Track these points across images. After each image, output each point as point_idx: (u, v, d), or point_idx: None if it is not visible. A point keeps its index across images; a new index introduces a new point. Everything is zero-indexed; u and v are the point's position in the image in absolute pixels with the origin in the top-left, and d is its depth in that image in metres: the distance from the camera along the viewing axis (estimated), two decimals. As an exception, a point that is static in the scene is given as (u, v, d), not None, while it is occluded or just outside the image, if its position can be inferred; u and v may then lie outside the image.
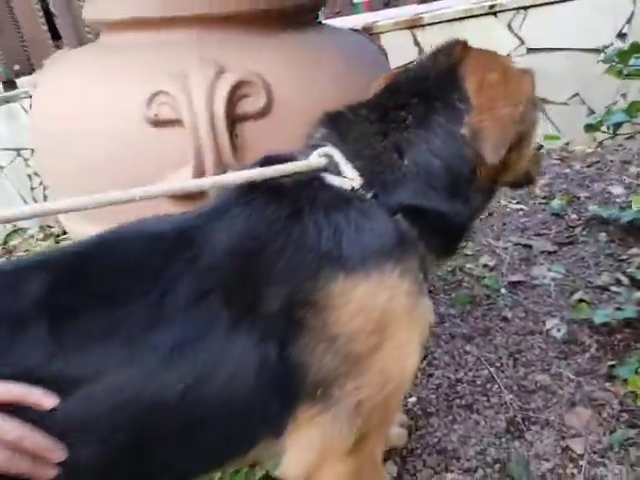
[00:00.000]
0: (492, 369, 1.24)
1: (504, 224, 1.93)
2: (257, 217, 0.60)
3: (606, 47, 2.34)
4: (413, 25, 2.42)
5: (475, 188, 0.71)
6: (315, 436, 0.63)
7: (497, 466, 1.01)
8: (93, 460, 0.55)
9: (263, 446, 0.65)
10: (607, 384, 1.15)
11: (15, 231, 2.69)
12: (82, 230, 0.93)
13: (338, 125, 0.72)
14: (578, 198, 1.99)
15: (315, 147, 0.69)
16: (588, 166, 2.29)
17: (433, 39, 2.46)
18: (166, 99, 0.83)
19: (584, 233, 1.76)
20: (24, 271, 0.58)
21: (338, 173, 0.66)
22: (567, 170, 2.28)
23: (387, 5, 2.50)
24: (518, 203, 2.07)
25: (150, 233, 0.62)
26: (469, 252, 1.77)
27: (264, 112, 0.87)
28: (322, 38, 1.08)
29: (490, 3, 2.37)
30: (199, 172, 0.87)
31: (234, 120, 0.85)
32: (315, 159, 0.67)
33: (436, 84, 0.72)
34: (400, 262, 0.63)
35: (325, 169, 0.66)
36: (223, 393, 0.57)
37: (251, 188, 0.64)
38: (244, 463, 0.87)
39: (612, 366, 1.18)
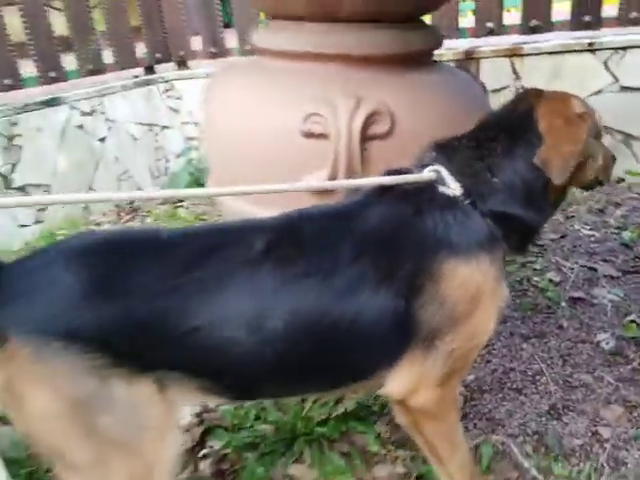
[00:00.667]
0: (543, 365, 1.45)
1: (574, 247, 2.09)
2: (392, 210, 0.88)
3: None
4: (513, 54, 2.60)
5: (546, 200, 0.97)
6: (417, 370, 0.91)
7: (535, 437, 1.23)
8: (278, 360, 0.85)
9: (377, 375, 0.93)
10: (643, 392, 1.32)
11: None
12: (241, 209, 1.25)
13: (444, 150, 0.98)
14: (650, 233, 2.11)
15: (426, 165, 0.96)
16: (666, 203, 2.37)
17: (531, 69, 2.63)
18: (318, 119, 1.13)
19: (649, 265, 1.89)
20: (249, 230, 0.90)
21: (444, 185, 0.92)
22: (644, 205, 2.38)
23: (491, 33, 2.69)
24: (591, 230, 2.21)
25: (325, 213, 0.91)
26: (538, 267, 1.95)
27: (387, 134, 1.14)
28: (436, 77, 1.33)
29: (589, 41, 2.50)
30: (333, 175, 1.16)
31: (365, 138, 1.13)
32: (427, 173, 0.93)
33: (517, 124, 0.97)
34: (490, 253, 0.89)
35: (435, 181, 0.93)
36: (367, 329, 0.85)
37: (382, 191, 0.91)
38: (357, 389, 1.15)
39: (651, 379, 1.35)
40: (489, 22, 2.67)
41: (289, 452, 1.27)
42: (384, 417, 1.34)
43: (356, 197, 0.94)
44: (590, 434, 1.21)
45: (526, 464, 1.16)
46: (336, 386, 1.00)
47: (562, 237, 2.16)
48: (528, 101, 1.00)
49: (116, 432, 0.84)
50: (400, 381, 0.93)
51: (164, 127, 3.20)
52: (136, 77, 3.08)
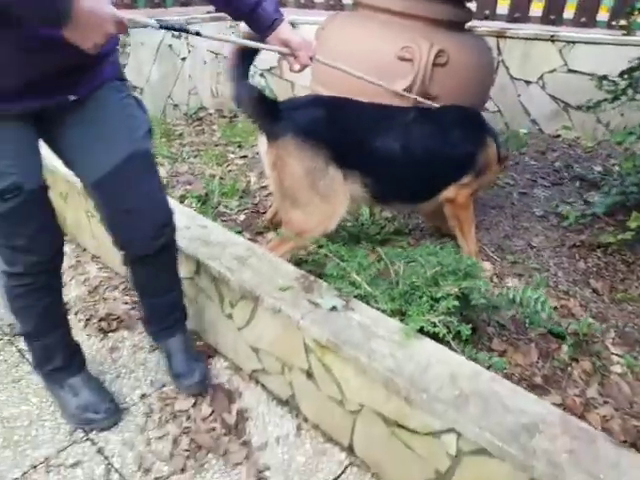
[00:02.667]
0: (502, 218, 2.41)
1: (524, 169, 3.06)
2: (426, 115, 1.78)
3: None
4: (499, 35, 3.51)
5: None
6: (462, 188, 1.83)
7: (496, 246, 2.19)
8: (409, 173, 1.75)
9: (445, 189, 1.84)
10: None
11: (200, 109, 3.84)
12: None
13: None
14: None
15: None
16: None
17: (510, 48, 3.55)
18: (409, 50, 1.97)
19: None
20: (401, 110, 1.78)
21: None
22: None
23: (486, 18, 3.60)
24: (535, 161, 3.19)
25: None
26: (501, 177, 2.91)
27: (445, 64, 2.01)
28: (470, 37, 2.21)
29: (552, 34, 3.45)
30: (412, 85, 2.01)
31: (434, 65, 1.99)
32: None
33: None
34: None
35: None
36: (451, 165, 1.76)
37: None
38: (434, 203, 1.97)
39: None
40: (486, 10, 3.58)
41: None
42: (410, 235, 2.24)
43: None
44: (527, 245, 2.18)
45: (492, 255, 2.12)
46: (429, 196, 1.89)
47: (517, 164, 3.14)
48: None
49: (324, 189, 1.69)
50: (454, 190, 1.86)
51: (226, 56, 3.90)
52: (209, 12, 3.75)
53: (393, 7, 2.08)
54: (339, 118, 1.68)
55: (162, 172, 2.55)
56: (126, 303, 2.08)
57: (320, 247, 1.60)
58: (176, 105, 3.60)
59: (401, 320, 1.40)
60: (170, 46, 3.42)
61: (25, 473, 1.38)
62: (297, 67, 1.41)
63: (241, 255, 1.67)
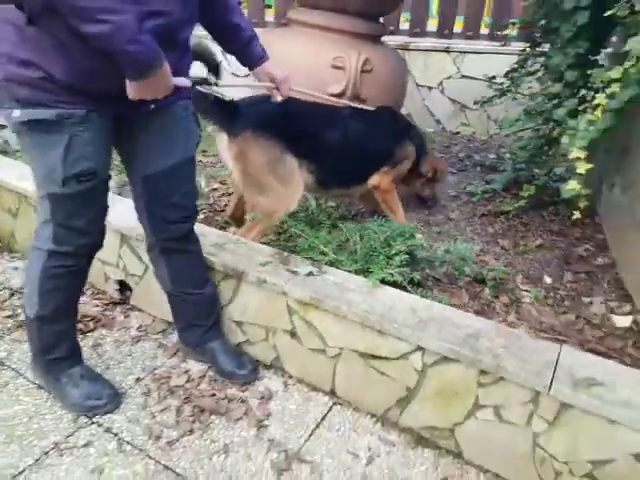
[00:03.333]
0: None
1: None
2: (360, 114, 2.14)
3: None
4: (403, 48, 4.00)
5: None
6: (384, 175, 2.18)
7: (423, 220, 2.58)
8: (344, 161, 2.09)
9: (370, 177, 2.18)
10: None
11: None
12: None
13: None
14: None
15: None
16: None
17: (412, 59, 4.05)
18: (340, 59, 2.31)
19: (473, 169, 3.40)
20: (337, 109, 2.11)
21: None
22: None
23: (392, 33, 4.08)
24: (440, 153, 3.68)
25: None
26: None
27: (370, 71, 2.37)
28: (388, 49, 2.60)
29: (446, 46, 4.00)
30: (345, 88, 2.35)
31: (361, 71, 2.35)
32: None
33: None
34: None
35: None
36: (376, 155, 2.10)
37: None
38: (364, 188, 2.32)
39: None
40: (391, 26, 4.05)
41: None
42: (353, 219, 2.57)
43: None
44: (447, 219, 2.60)
45: (420, 228, 2.50)
46: (360, 181, 2.22)
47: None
48: None
49: (284, 174, 1.97)
50: (377, 178, 2.20)
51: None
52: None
53: (321, 23, 2.42)
54: (290, 114, 1.95)
55: (115, 180, 2.66)
56: (97, 306, 2.19)
57: (289, 227, 1.87)
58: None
59: (365, 276, 1.71)
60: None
61: (38, 460, 1.46)
62: (279, 98, 1.66)
63: (217, 242, 1.89)
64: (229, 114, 1.91)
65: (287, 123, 1.93)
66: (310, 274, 1.70)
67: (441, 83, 4.17)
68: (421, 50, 4.01)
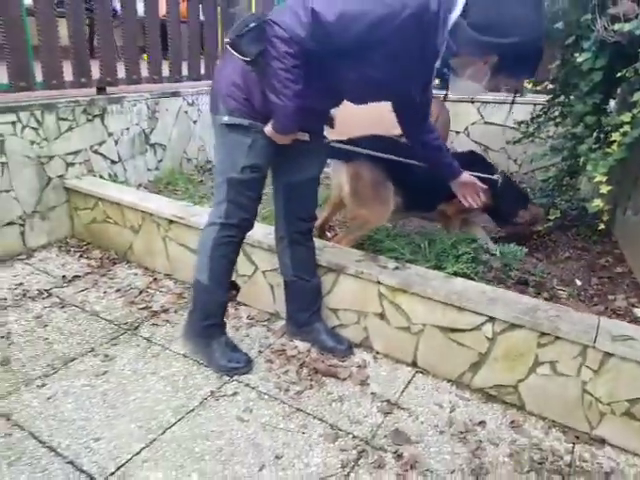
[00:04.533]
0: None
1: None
2: None
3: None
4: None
5: None
6: (449, 205, 2.62)
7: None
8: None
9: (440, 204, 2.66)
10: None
11: (207, 162, 4.48)
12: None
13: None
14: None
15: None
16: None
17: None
18: (382, 117, 2.85)
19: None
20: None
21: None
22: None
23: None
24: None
25: None
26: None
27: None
28: (439, 101, 3.15)
29: (174, 90, 4.58)
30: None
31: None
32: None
33: None
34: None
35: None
36: (440, 188, 2.58)
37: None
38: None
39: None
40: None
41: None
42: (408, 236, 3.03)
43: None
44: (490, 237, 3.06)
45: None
46: (433, 207, 2.68)
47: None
48: None
49: (383, 195, 2.44)
50: (444, 206, 2.67)
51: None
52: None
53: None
54: (386, 151, 2.42)
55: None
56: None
57: (372, 236, 2.34)
58: (189, 159, 4.23)
59: (439, 271, 2.17)
60: (186, 112, 4.09)
61: (201, 402, 1.90)
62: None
63: (318, 246, 2.35)
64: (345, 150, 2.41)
65: (387, 158, 2.41)
66: (397, 268, 2.16)
67: (467, 128, 4.74)
68: (450, 101, 4.59)
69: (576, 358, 1.77)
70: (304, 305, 2.22)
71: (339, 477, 1.59)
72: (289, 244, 2.10)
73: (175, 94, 3.96)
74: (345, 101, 1.87)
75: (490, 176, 2.39)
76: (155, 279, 2.83)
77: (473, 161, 2.62)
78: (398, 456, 1.68)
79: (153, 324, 2.40)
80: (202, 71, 4.36)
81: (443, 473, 1.64)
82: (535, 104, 4.04)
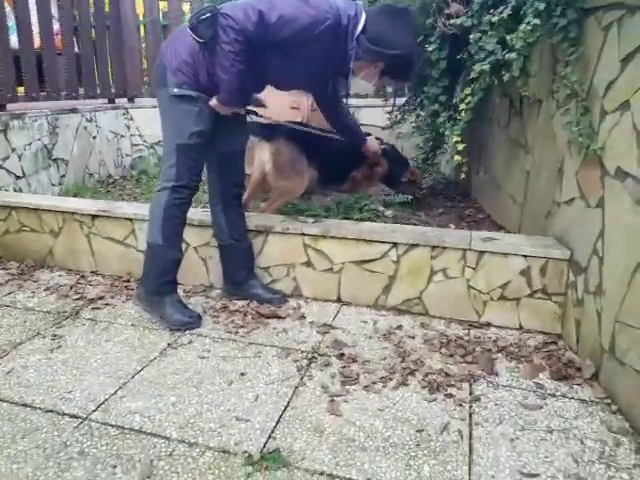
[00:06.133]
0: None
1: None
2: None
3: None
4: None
5: None
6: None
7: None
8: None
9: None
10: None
11: (108, 176, 4.47)
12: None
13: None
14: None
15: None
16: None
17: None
18: (297, 103, 3.28)
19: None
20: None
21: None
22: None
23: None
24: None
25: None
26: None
27: (315, 110, 3.36)
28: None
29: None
30: (302, 120, 3.30)
31: (311, 110, 3.32)
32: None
33: None
34: None
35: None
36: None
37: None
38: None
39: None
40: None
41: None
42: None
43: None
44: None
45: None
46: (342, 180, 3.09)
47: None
48: None
49: (300, 167, 2.80)
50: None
51: (122, 136, 4.67)
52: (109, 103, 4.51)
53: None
54: (301, 132, 2.79)
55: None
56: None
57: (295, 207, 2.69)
58: (91, 174, 4.22)
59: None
60: (85, 128, 4.10)
61: (161, 352, 2.04)
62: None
63: (246, 215, 2.63)
64: (269, 129, 2.73)
65: (300, 136, 2.77)
66: (315, 221, 2.52)
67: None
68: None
69: (460, 261, 2.27)
70: (241, 264, 2.47)
71: (297, 377, 1.87)
72: (223, 209, 2.35)
73: (74, 110, 3.97)
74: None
75: (384, 145, 2.88)
76: (83, 276, 2.85)
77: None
78: (340, 355, 2.01)
79: (93, 308, 2.46)
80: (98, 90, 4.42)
81: (377, 359, 2.00)
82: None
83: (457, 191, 3.94)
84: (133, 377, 1.86)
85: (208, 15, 1.87)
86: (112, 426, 1.58)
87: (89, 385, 1.81)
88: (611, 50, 1.76)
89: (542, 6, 1.95)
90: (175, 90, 1.99)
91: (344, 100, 2.45)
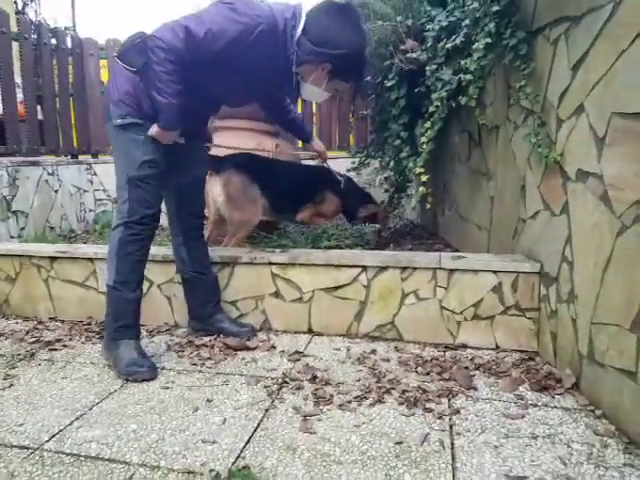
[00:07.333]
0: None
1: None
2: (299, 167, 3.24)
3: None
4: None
5: None
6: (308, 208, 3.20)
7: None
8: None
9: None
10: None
11: (70, 230, 4.43)
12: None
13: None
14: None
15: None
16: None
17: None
18: (263, 143, 3.41)
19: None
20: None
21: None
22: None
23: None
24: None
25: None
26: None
27: (277, 147, 3.50)
28: (282, 139, 3.81)
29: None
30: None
31: (275, 148, 3.46)
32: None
33: None
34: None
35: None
36: (303, 192, 3.14)
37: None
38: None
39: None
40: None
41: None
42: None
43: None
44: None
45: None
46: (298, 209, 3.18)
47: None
48: None
49: (252, 196, 2.87)
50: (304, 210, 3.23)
51: (85, 190, 4.70)
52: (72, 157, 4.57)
53: (245, 126, 3.54)
54: (252, 161, 2.92)
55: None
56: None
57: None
58: (52, 227, 4.18)
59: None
60: (47, 181, 4.12)
61: (121, 386, 1.94)
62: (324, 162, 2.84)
63: (210, 248, 2.64)
64: (218, 162, 2.82)
65: (253, 165, 2.88)
66: (283, 251, 2.55)
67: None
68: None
69: (431, 281, 2.31)
70: (205, 297, 2.43)
71: (268, 401, 1.81)
72: (184, 241, 2.35)
73: (34, 163, 4.01)
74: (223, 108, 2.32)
75: (341, 176, 3.00)
76: (40, 322, 2.76)
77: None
78: (313, 378, 1.97)
79: (50, 349, 2.36)
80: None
81: (351, 381, 1.96)
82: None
83: (424, 232, 4.07)
84: (91, 409, 1.77)
85: (138, 41, 1.91)
86: (66, 454, 1.48)
87: (42, 418, 1.70)
88: (561, 61, 1.89)
89: (493, 28, 2.14)
90: (119, 121, 1.97)
91: (292, 107, 2.51)
